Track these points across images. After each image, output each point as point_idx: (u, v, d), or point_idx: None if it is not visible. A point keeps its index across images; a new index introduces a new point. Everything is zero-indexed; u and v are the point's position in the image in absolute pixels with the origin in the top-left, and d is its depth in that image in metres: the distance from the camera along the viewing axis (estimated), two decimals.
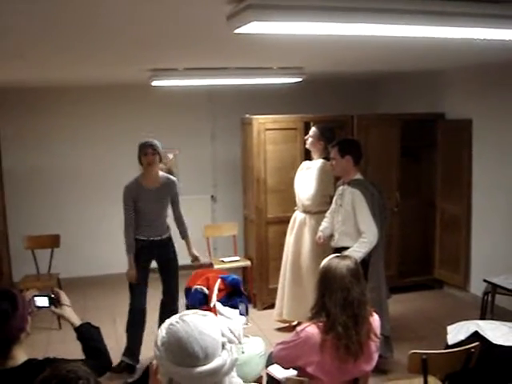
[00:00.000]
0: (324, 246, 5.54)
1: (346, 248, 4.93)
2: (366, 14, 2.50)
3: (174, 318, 2.02)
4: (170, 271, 5.65)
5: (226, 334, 2.02)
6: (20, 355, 2.60)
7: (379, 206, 5.07)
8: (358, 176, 5.16)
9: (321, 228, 5.61)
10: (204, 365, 1.89)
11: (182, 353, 1.89)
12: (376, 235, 4.92)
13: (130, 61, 5.05)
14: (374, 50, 4.65)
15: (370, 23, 2.57)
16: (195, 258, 5.79)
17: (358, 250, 4.82)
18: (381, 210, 5.09)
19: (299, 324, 5.70)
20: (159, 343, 1.97)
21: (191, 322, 1.96)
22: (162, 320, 5.32)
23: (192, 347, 1.89)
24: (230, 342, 2.03)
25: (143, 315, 5.54)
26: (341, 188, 5.25)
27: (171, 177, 5.75)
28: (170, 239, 5.70)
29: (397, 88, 8.48)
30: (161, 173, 5.64)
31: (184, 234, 5.81)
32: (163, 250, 5.62)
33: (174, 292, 5.65)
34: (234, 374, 2.05)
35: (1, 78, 6.09)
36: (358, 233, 4.98)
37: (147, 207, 5.48)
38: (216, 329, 1.99)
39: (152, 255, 5.61)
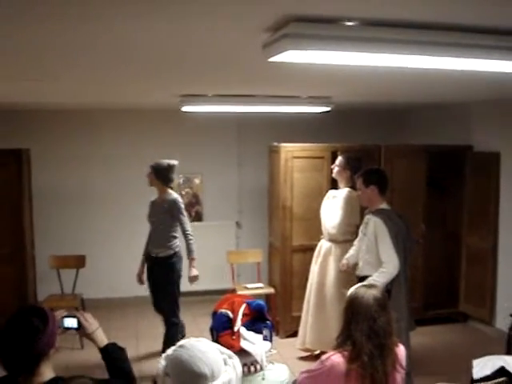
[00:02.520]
0: (349, 275, 5.53)
1: (369, 277, 4.92)
2: (400, 45, 2.54)
3: (169, 349, 2.07)
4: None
5: (223, 351, 2.07)
6: (47, 372, 2.63)
7: (403, 237, 5.05)
8: (384, 206, 5.16)
9: (347, 255, 5.61)
10: (212, 381, 1.92)
11: (190, 374, 1.93)
12: (397, 266, 4.89)
13: (162, 85, 5.12)
14: (404, 81, 4.68)
15: (404, 54, 2.61)
16: (190, 279, 5.99)
17: (376, 279, 4.75)
18: (405, 240, 5.07)
19: (322, 353, 5.68)
20: (162, 374, 2.01)
21: (189, 346, 2.03)
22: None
23: (198, 367, 1.93)
24: (230, 357, 2.07)
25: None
26: (366, 217, 5.25)
27: (174, 196, 5.98)
28: (165, 258, 5.93)
29: (425, 119, 8.48)
30: (170, 191, 5.99)
31: (187, 253, 5.98)
32: (156, 268, 5.99)
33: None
34: None
35: (32, 100, 6.22)
36: (379, 262, 4.96)
37: (148, 220, 6.06)
38: (214, 347, 2.05)
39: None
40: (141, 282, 6.18)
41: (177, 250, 5.97)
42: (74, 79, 4.59)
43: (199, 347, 2.02)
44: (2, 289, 6.33)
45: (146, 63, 3.77)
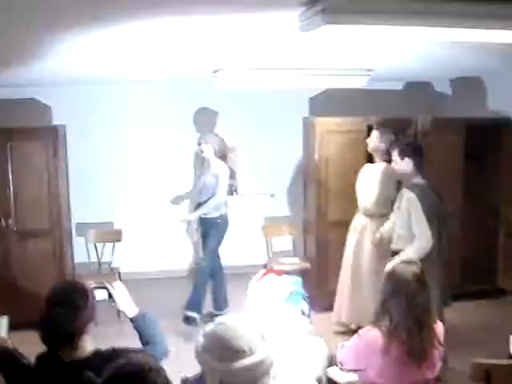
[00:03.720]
0: (384, 250, 5.50)
1: (399, 251, 4.90)
2: (436, 18, 2.49)
3: (207, 327, 2.09)
4: None
5: (260, 328, 2.08)
6: (88, 346, 2.68)
7: (438, 212, 5.01)
8: (418, 180, 5.11)
9: (381, 229, 5.59)
10: (250, 356, 1.94)
11: (228, 349, 1.95)
12: (430, 240, 4.86)
13: (197, 59, 5.10)
14: (441, 54, 4.59)
15: (440, 26, 2.56)
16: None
17: (409, 254, 4.74)
18: (439, 215, 5.03)
19: (358, 328, 5.68)
20: (200, 350, 2.04)
21: (227, 322, 2.06)
22: None
23: (236, 342, 1.96)
24: (268, 334, 2.09)
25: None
26: (401, 192, 5.21)
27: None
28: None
29: (462, 92, 8.32)
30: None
31: None
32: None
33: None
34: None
35: (66, 75, 6.24)
36: (412, 237, 4.93)
37: None
38: (251, 324, 2.07)
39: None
40: None
41: None
42: (109, 53, 4.60)
43: (237, 323, 2.04)
44: (42, 264, 6.42)
45: (182, 34, 3.74)
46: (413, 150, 5.19)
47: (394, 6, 2.37)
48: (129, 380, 1.95)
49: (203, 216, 6.59)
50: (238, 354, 1.95)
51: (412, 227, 4.94)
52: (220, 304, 6.80)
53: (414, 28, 2.51)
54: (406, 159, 5.08)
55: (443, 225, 5.09)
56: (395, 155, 5.17)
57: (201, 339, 2.07)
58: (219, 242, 6.64)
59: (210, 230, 6.60)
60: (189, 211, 7.16)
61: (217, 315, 6.35)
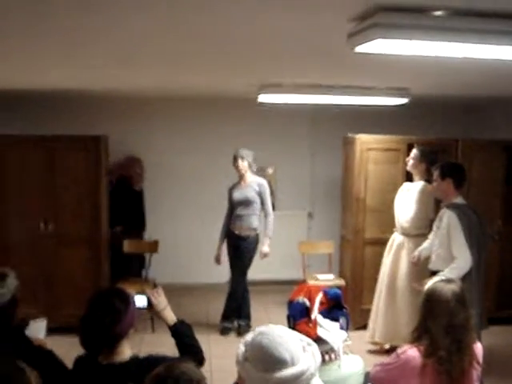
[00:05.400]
0: (421, 269, 5.46)
1: (440, 272, 4.84)
2: (488, 36, 2.49)
3: (249, 335, 2.09)
4: None
5: (302, 338, 2.08)
6: (127, 351, 2.71)
7: (477, 233, 4.96)
8: (459, 200, 5.08)
9: (419, 248, 5.55)
10: (292, 367, 1.94)
11: (270, 358, 1.95)
12: (468, 262, 4.80)
13: (241, 75, 5.15)
14: (485, 73, 4.56)
15: (491, 44, 2.55)
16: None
17: (447, 275, 4.58)
18: (479, 236, 4.97)
19: (392, 347, 5.63)
20: (241, 359, 2.03)
21: (269, 331, 2.05)
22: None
23: (278, 351, 1.95)
24: (309, 344, 2.08)
25: None
26: (441, 211, 5.18)
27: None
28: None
29: (504, 114, 8.22)
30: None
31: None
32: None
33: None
34: (317, 378, 2.09)
35: (108, 87, 6.36)
36: (451, 257, 4.88)
37: None
38: (293, 334, 2.06)
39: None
40: None
41: None
42: (155, 66, 4.67)
43: (279, 333, 2.04)
44: (79, 270, 6.51)
45: (229, 51, 3.79)
46: (454, 170, 5.17)
47: (446, 23, 2.37)
48: None
49: (237, 233, 6.63)
50: (280, 364, 1.95)
51: (451, 247, 4.90)
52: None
53: (463, 45, 2.51)
54: (447, 179, 5.06)
55: (483, 247, 5.04)
56: (436, 175, 5.15)
57: (242, 348, 2.07)
58: (251, 260, 6.70)
59: (246, 247, 6.62)
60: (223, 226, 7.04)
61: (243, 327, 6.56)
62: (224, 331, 6.65)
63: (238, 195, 6.63)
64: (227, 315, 6.70)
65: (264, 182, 6.73)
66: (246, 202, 6.57)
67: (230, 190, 6.73)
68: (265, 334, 2.03)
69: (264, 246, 6.70)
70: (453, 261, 4.85)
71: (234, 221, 6.65)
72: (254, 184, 6.64)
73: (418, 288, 5.39)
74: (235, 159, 6.61)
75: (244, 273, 6.70)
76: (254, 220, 6.62)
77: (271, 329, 2.07)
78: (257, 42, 3.43)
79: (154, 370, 2.05)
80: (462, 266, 4.79)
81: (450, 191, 5.09)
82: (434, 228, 5.31)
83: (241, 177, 6.68)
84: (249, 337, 2.09)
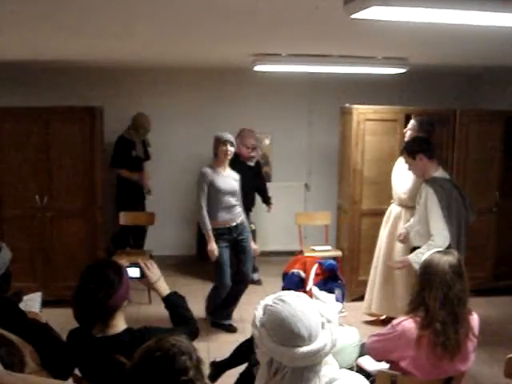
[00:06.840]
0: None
1: (418, 248, 4.81)
2: (487, 1, 2.44)
3: (270, 299, 2.04)
4: None
5: (323, 314, 2.03)
6: (121, 323, 2.70)
7: (458, 206, 4.90)
8: (438, 173, 5.03)
9: (406, 225, 5.52)
10: (308, 345, 1.90)
11: (288, 333, 1.90)
12: (447, 239, 4.73)
13: (235, 43, 5.08)
14: (485, 42, 4.50)
15: (491, 11, 2.50)
16: None
17: (424, 252, 4.30)
18: (460, 210, 4.91)
19: (388, 318, 5.64)
20: (258, 324, 1.98)
21: (292, 303, 1.98)
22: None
23: (297, 327, 1.90)
24: (329, 321, 2.03)
25: None
26: (421, 186, 5.12)
27: None
28: None
29: (502, 83, 8.16)
30: None
31: None
32: None
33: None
34: (329, 355, 2.06)
35: (104, 57, 6.29)
36: (429, 234, 4.82)
37: None
38: (314, 309, 2.01)
39: None
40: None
41: None
42: (148, 35, 4.60)
43: (301, 307, 1.98)
44: (75, 243, 6.48)
45: (222, 19, 3.72)
46: (419, 144, 5.13)
47: None
48: (159, 363, 1.91)
49: (240, 222, 5.94)
50: (297, 341, 1.91)
51: (428, 224, 4.84)
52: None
53: (463, 12, 2.46)
54: (418, 155, 5.01)
55: (465, 220, 4.97)
56: (406, 158, 5.11)
57: (260, 311, 2.02)
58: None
59: (248, 235, 6.10)
60: None
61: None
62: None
63: (223, 184, 5.83)
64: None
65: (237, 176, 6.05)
66: (233, 192, 5.89)
67: (209, 177, 5.81)
68: (286, 304, 1.97)
69: (251, 243, 6.07)
70: (430, 237, 4.79)
71: (222, 213, 5.83)
72: (232, 173, 5.97)
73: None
74: (224, 143, 5.75)
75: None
76: (240, 209, 6.03)
77: (294, 300, 2.01)
78: (247, 9, 3.36)
79: (145, 343, 2.03)
80: (439, 243, 4.63)
81: (426, 166, 5.04)
82: (416, 205, 5.27)
83: (221, 163, 5.85)
84: (269, 300, 2.04)
